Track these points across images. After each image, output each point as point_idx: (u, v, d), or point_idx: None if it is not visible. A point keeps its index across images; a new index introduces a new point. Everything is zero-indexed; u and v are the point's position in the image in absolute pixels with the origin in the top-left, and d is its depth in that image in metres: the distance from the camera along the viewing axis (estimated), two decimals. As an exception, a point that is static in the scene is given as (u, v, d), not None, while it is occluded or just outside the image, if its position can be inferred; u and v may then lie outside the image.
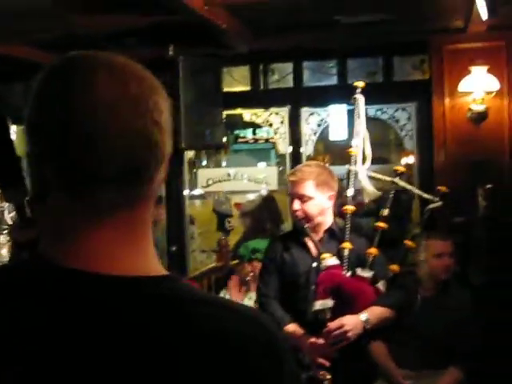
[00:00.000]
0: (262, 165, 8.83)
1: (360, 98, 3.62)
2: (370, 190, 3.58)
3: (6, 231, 4.40)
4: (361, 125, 3.60)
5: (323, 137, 7.02)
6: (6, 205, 4.16)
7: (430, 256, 4.00)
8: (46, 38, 5.71)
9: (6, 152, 1.40)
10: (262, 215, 6.49)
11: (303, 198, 3.37)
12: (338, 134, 6.74)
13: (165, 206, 4.91)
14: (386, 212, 3.51)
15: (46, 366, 0.87)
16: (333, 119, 6.55)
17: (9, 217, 4.23)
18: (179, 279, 0.99)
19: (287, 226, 6.21)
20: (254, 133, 9.46)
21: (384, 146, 9.74)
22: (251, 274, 4.76)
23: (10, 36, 5.55)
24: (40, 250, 0.97)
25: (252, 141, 9.92)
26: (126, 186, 0.93)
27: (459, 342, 3.87)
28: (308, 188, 3.36)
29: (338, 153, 7.88)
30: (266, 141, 8.97)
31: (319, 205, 3.39)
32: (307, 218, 3.38)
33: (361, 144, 3.59)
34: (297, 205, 3.38)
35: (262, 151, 10.34)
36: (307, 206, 3.37)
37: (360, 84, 3.65)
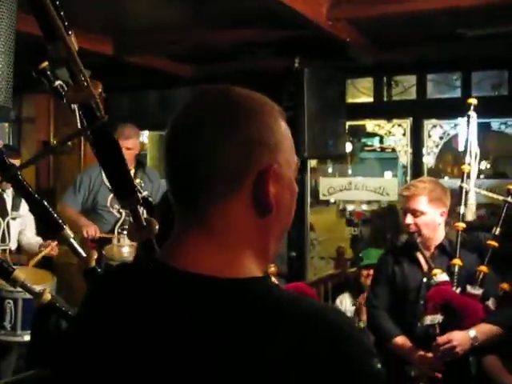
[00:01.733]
0: (388, 174, 8.77)
1: (473, 115, 3.63)
2: (473, 210, 3.58)
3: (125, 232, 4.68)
4: (473, 142, 3.62)
5: (451, 148, 6.95)
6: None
7: None
8: (181, 49, 6.00)
9: (120, 168, 1.66)
10: (382, 225, 6.52)
11: (416, 213, 3.41)
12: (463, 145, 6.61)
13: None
14: (497, 230, 3.48)
15: (154, 355, 1.00)
16: (462, 130, 6.46)
17: (129, 219, 4.48)
18: (269, 282, 1.06)
19: (405, 237, 6.23)
20: (381, 141, 9.40)
21: (505, 160, 9.44)
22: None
23: (146, 48, 5.89)
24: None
25: (379, 149, 9.85)
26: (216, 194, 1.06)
27: None
28: (421, 203, 3.40)
29: (456, 164, 7.76)
30: (393, 150, 8.89)
31: (431, 220, 3.43)
32: (419, 232, 3.43)
33: (473, 161, 3.61)
34: (409, 219, 3.43)
35: (389, 160, 10.24)
36: (419, 221, 3.41)
37: (473, 101, 3.67)
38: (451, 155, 8.32)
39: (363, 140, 9.40)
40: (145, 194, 2.37)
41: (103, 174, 2.44)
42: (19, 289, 2.39)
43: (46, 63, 2.20)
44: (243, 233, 1.08)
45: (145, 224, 1.72)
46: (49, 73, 2.21)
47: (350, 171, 8.86)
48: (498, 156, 7.73)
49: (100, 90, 1.48)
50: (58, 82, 2.20)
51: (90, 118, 1.53)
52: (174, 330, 1.00)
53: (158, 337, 1.01)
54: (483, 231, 4.83)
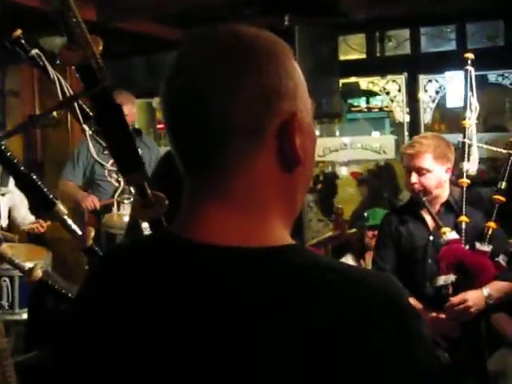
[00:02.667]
0: (375, 134, 8.72)
1: (471, 70, 3.52)
2: (474, 167, 3.49)
3: (128, 200, 4.57)
4: (473, 97, 3.51)
5: (439, 104, 6.84)
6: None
7: None
8: (167, 12, 5.86)
9: (126, 141, 1.50)
10: (379, 184, 6.45)
11: (421, 171, 3.31)
12: (455, 101, 6.54)
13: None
14: (503, 185, 3.40)
15: (173, 335, 0.90)
16: (450, 86, 6.37)
17: (128, 189, 4.37)
18: (303, 248, 0.97)
19: (405, 195, 6.16)
20: (368, 101, 9.30)
21: (502, 113, 9.34)
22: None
23: (131, 12, 5.74)
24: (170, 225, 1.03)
25: (366, 110, 9.77)
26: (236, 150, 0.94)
27: None
28: (426, 161, 3.30)
29: (455, 121, 7.68)
30: (380, 109, 8.78)
31: (437, 178, 3.33)
32: (425, 191, 3.32)
33: (473, 116, 3.51)
34: (414, 178, 3.32)
35: (376, 120, 10.16)
36: (425, 179, 3.31)
37: (470, 55, 3.55)
38: (440, 111, 8.23)
39: (349, 101, 9.27)
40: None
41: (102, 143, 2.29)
42: (16, 265, 2.30)
43: (19, 31, 2.09)
44: (269, 192, 0.97)
45: (153, 201, 1.57)
46: (23, 41, 2.09)
47: (337, 133, 8.72)
48: (494, 109, 7.65)
49: (101, 48, 1.33)
50: (34, 51, 2.11)
51: (89, 82, 1.37)
52: (204, 310, 0.89)
53: (187, 317, 0.90)
54: (483, 186, 4.77)
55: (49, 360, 1.13)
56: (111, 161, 2.54)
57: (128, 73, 7.33)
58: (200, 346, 0.87)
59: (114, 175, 4.76)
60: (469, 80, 3.53)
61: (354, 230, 5.64)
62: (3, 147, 1.83)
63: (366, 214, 5.20)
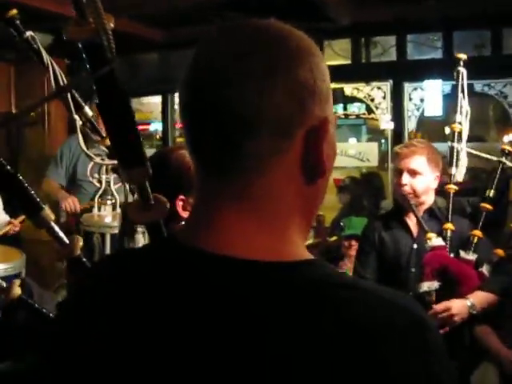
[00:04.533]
0: (352, 140, 8.72)
1: (463, 72, 3.44)
2: (463, 171, 3.42)
3: (110, 202, 4.48)
4: (464, 100, 3.43)
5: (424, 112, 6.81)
6: (112, 176, 4.22)
7: None
8: (149, 12, 5.79)
9: (129, 132, 1.35)
10: (361, 192, 6.39)
11: (413, 173, 3.25)
12: (433, 109, 6.49)
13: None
14: (492, 193, 3.35)
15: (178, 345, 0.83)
16: (429, 94, 6.32)
17: (114, 188, 4.30)
18: (322, 264, 0.89)
19: (386, 204, 6.10)
20: (345, 108, 9.36)
21: (487, 123, 9.37)
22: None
23: (116, 10, 5.63)
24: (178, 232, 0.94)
25: (343, 116, 9.84)
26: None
27: None
28: (420, 163, 3.25)
29: (431, 129, 7.64)
30: (357, 116, 8.81)
31: (427, 183, 3.28)
32: (414, 194, 3.27)
33: (464, 120, 3.43)
34: (406, 179, 3.26)
35: (353, 127, 10.22)
36: (416, 182, 3.25)
37: (463, 56, 3.47)
38: (425, 119, 8.23)
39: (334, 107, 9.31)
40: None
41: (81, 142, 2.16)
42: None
43: (15, 11, 1.97)
44: (289, 202, 0.89)
45: (153, 202, 1.43)
46: (18, 22, 1.99)
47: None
48: (477, 119, 7.65)
49: (113, 26, 1.20)
50: (28, 33, 1.99)
51: (95, 62, 1.23)
52: (223, 329, 0.82)
53: (202, 337, 0.82)
54: (464, 196, 4.72)
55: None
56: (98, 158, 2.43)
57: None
58: (220, 363, 0.80)
59: (96, 175, 4.67)
60: (460, 82, 3.45)
61: (334, 238, 5.58)
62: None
63: (342, 223, 5.14)
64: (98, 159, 2.48)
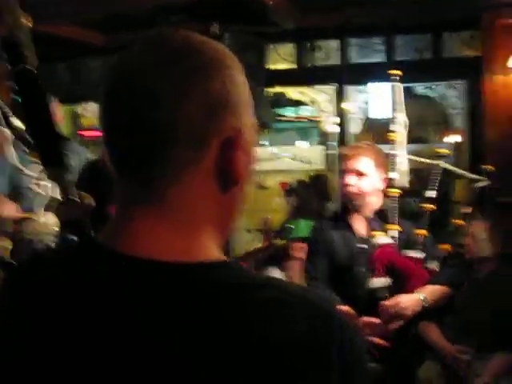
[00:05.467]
0: (303, 144, 8.75)
1: (398, 86, 3.58)
2: (405, 178, 3.54)
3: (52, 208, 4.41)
4: (401, 111, 3.56)
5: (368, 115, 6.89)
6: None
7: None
8: (91, 16, 5.72)
9: (46, 130, 1.36)
10: (308, 195, 6.41)
11: (360, 174, 3.31)
12: (378, 112, 6.59)
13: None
14: (433, 194, 3.48)
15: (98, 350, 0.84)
16: (373, 97, 6.41)
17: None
18: (236, 265, 0.92)
19: (334, 206, 6.15)
20: (297, 111, 9.35)
21: (428, 124, 9.52)
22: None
23: (55, 15, 5.56)
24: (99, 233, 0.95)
25: (294, 119, 9.83)
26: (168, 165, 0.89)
27: (509, 327, 3.81)
28: (366, 164, 3.31)
29: (379, 131, 7.75)
30: (308, 119, 8.82)
31: (373, 184, 3.34)
32: (360, 194, 3.32)
33: (401, 130, 3.55)
34: (352, 180, 3.32)
35: (304, 130, 10.25)
36: (362, 183, 3.31)
37: (397, 72, 3.60)
38: (368, 122, 8.31)
39: (278, 110, 9.30)
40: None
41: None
42: None
43: None
44: (205, 209, 0.92)
45: (76, 199, 1.43)
46: None
47: (266, 142, 8.71)
48: (421, 121, 7.77)
49: (31, 25, 1.20)
50: None
51: (14, 58, 1.22)
52: (124, 327, 0.84)
53: (103, 331, 0.85)
54: (408, 197, 4.82)
55: None
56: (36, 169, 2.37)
57: (50, 78, 7.11)
58: (121, 365, 0.83)
59: (37, 182, 4.60)
60: (397, 95, 3.56)
61: (282, 242, 5.59)
62: None
63: (290, 226, 5.16)
64: (26, 170, 2.45)
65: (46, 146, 1.38)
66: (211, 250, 0.92)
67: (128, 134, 0.88)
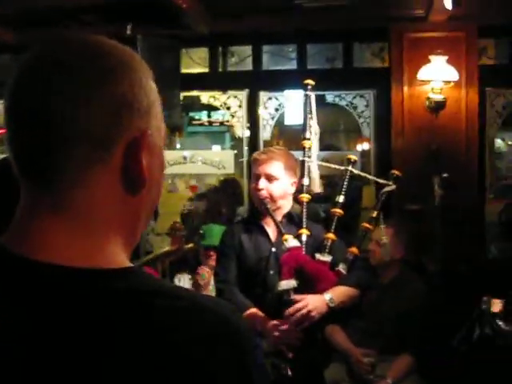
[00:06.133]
0: (216, 148, 8.77)
1: (311, 95, 3.62)
2: (318, 183, 3.59)
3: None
4: (313, 120, 3.62)
5: (279, 121, 6.95)
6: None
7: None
8: (3, 13, 5.55)
9: None
10: (218, 199, 6.43)
11: (270, 178, 3.35)
12: (293, 118, 6.64)
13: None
14: (341, 198, 3.53)
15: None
16: (289, 104, 6.48)
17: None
18: (140, 272, 0.92)
19: (243, 210, 6.19)
20: (209, 115, 9.35)
21: (338, 132, 9.72)
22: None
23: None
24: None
25: (207, 123, 9.81)
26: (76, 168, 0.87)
27: (411, 330, 3.93)
28: (277, 168, 3.35)
29: (292, 138, 7.84)
30: (221, 124, 8.83)
31: (284, 188, 3.38)
32: (270, 198, 3.36)
33: (313, 138, 3.61)
34: (263, 183, 3.35)
35: (217, 134, 10.25)
36: (273, 187, 3.35)
37: (310, 82, 3.64)
38: (279, 128, 8.40)
39: (191, 114, 9.29)
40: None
41: None
42: None
43: None
44: (109, 212, 0.90)
45: None
46: None
47: (178, 146, 8.69)
48: (331, 129, 7.92)
49: None
50: None
51: None
52: (18, 331, 0.81)
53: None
54: (319, 202, 4.90)
55: None
56: None
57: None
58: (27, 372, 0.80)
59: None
60: (309, 104, 3.62)
61: (190, 245, 5.58)
62: None
63: (201, 231, 5.14)
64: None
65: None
66: (114, 255, 0.90)
67: (29, 134, 0.87)
